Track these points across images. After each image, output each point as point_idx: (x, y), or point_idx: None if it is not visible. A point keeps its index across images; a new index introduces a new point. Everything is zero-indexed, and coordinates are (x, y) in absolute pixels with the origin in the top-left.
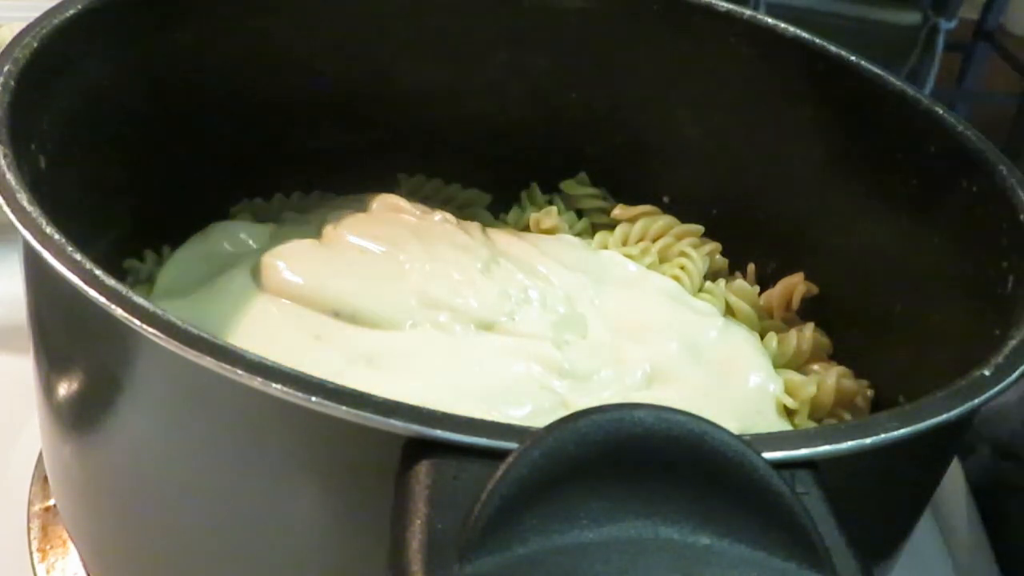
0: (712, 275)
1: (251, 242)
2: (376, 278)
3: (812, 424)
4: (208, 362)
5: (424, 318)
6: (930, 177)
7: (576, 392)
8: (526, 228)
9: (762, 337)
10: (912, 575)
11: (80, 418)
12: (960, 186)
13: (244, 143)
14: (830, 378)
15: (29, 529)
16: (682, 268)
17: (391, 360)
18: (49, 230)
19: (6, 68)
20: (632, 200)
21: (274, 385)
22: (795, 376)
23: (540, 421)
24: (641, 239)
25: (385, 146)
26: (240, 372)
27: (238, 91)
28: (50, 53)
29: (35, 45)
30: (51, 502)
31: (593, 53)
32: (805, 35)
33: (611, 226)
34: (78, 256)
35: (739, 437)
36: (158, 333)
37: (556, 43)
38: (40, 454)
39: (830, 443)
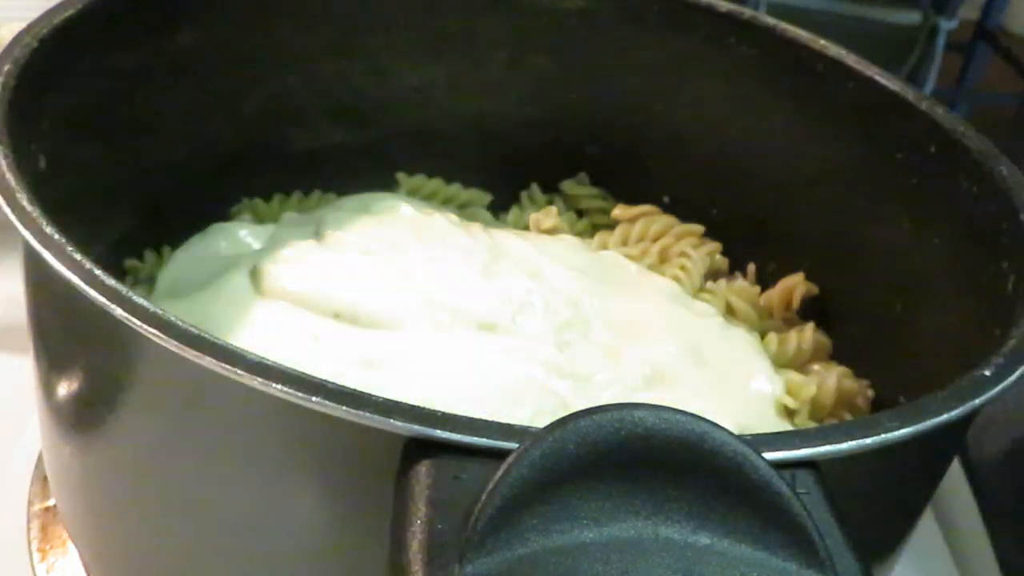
0: (712, 275)
1: (251, 242)
2: (377, 279)
3: (812, 424)
4: (208, 362)
5: (425, 319)
6: (930, 177)
7: (577, 393)
8: (526, 228)
9: (762, 337)
10: (913, 575)
11: (80, 418)
12: (960, 186)
13: (244, 143)
14: (830, 378)
15: (29, 529)
16: (682, 268)
17: (391, 361)
18: (49, 230)
19: (6, 68)
20: (632, 200)
21: (274, 385)
22: (795, 376)
23: (541, 422)
24: (641, 239)
25: (385, 146)
26: (240, 372)
27: (238, 91)
28: (50, 53)
29: (35, 45)
30: (51, 502)
31: (593, 53)
32: (805, 35)
33: (611, 226)
34: (78, 256)
35: (739, 437)
36: (158, 333)
37: (556, 43)
38: (40, 454)
39: (830, 443)
